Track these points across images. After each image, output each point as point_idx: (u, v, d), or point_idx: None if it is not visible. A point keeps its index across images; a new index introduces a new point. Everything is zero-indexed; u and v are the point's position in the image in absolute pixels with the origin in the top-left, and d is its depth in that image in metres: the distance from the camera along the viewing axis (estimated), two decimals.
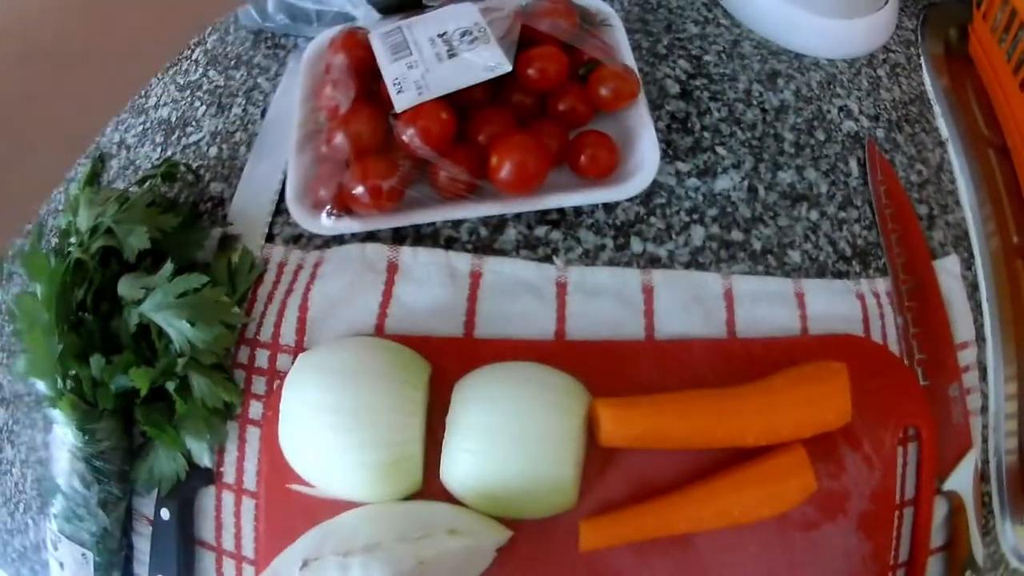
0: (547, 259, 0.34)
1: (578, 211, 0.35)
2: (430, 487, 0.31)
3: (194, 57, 0.45)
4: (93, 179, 0.46)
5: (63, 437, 0.36)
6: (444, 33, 0.34)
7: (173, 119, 0.43)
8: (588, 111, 0.35)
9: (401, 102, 0.32)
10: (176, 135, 0.42)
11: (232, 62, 0.43)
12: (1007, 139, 0.44)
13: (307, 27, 0.41)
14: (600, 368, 0.32)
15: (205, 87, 0.43)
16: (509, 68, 0.32)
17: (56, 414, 0.35)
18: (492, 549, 0.30)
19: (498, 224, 0.34)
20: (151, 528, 0.35)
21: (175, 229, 0.37)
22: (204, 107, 0.42)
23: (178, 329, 0.33)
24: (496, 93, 0.35)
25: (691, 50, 0.39)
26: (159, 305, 0.34)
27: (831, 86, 0.40)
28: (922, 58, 0.44)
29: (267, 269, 0.36)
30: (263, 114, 0.40)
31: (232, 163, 0.40)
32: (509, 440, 0.29)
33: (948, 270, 0.38)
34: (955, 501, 0.34)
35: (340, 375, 0.31)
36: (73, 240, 0.37)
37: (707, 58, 0.39)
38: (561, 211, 0.34)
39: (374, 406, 0.30)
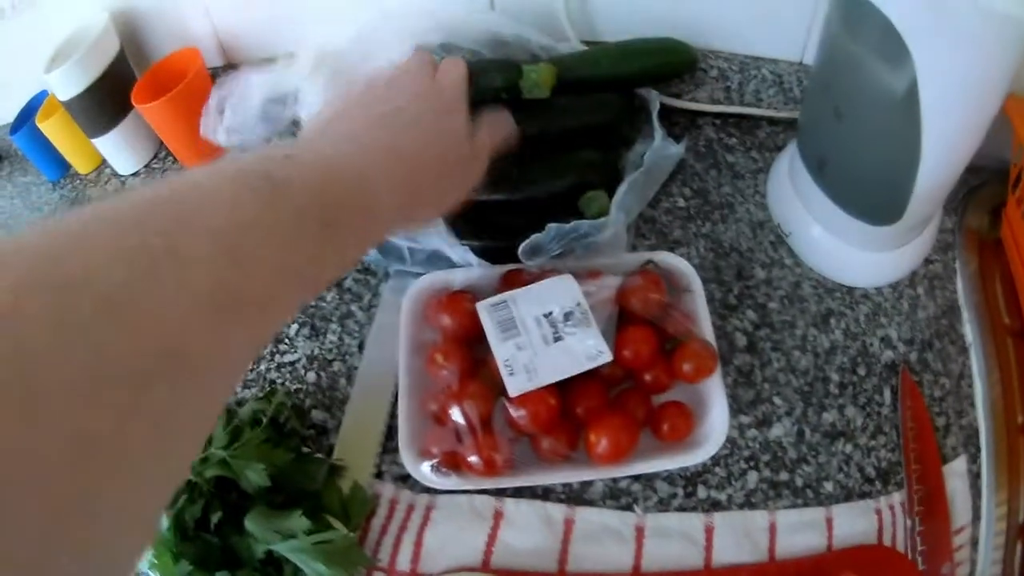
0: (628, 507, 0.49)
1: None
2: None
3: None
4: None
5: None
6: (549, 314, 0.46)
7: None
8: (670, 381, 0.48)
9: (513, 387, 0.45)
10: (268, 351, 0.53)
11: None
12: None
13: (398, 263, 0.52)
14: None
15: None
16: (611, 359, 0.45)
17: None
18: None
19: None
20: None
21: (288, 463, 0.50)
22: (297, 326, 0.53)
23: (314, 569, 0.47)
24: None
25: (758, 298, 0.52)
26: (295, 548, 0.47)
27: (876, 316, 0.54)
28: (956, 259, 0.58)
29: (379, 504, 0.50)
30: (360, 347, 0.51)
31: (332, 393, 0.51)
32: None
33: (956, 470, 0.55)
34: None
35: None
36: None
37: (771, 305, 0.52)
38: None
39: None
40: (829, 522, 0.51)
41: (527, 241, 0.47)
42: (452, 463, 0.47)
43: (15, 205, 0.70)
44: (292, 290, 0.27)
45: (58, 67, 0.60)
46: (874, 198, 0.50)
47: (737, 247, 0.53)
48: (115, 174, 0.70)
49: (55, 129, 0.66)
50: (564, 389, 0.47)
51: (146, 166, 0.69)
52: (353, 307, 0.53)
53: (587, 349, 0.45)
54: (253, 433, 0.49)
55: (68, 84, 0.62)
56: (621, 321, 0.47)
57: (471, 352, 0.47)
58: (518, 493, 0.49)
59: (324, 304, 0.53)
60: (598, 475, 0.47)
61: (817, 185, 0.51)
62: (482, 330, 0.46)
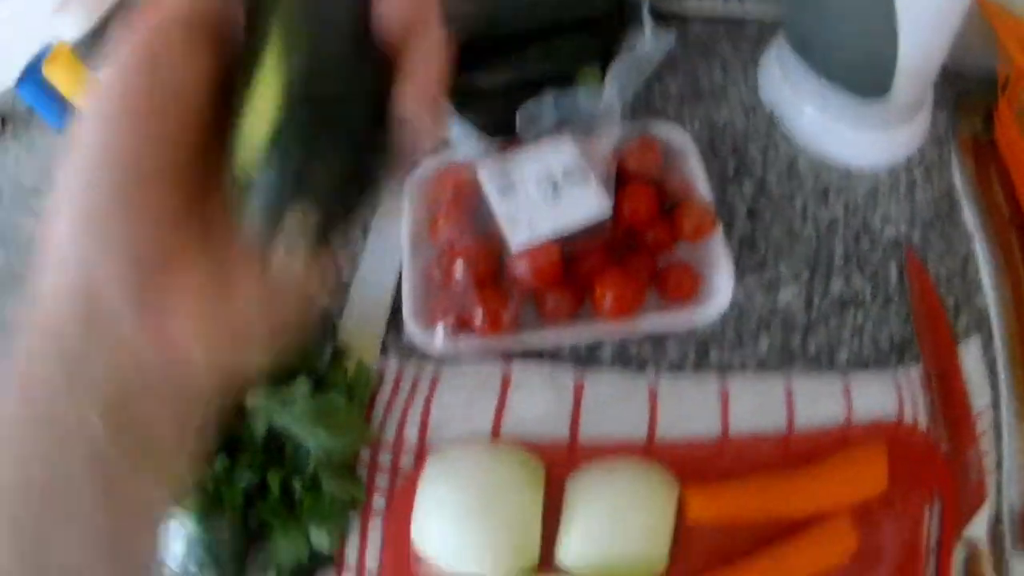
0: (640, 370, 0.47)
1: None
2: (543, 565, 0.44)
3: None
4: None
5: (179, 528, 0.45)
6: (548, 173, 0.46)
7: None
8: (672, 241, 0.47)
9: (516, 242, 0.45)
10: None
11: None
12: None
13: None
14: (685, 461, 0.46)
15: None
16: (609, 213, 0.45)
17: (176, 510, 0.45)
18: None
19: (596, 342, 0.48)
20: None
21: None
22: None
23: (317, 438, 0.45)
24: (591, 226, 0.47)
25: (755, 172, 0.52)
26: (297, 418, 0.46)
27: (875, 195, 0.53)
28: (952, 153, 0.58)
29: (384, 379, 0.48)
30: (364, 233, 0.51)
31: (336, 278, 0.51)
32: (617, 525, 0.42)
33: (970, 351, 0.53)
34: (972, 551, 0.49)
35: (469, 476, 0.44)
36: None
37: (768, 178, 0.52)
38: None
39: (500, 503, 0.43)
40: (847, 392, 0.49)
41: (523, 110, 0.48)
42: (458, 326, 0.46)
43: (21, 159, 0.71)
44: None
45: (66, 7, 0.62)
46: (859, 69, 0.51)
47: (731, 126, 0.54)
48: None
49: (62, 74, 0.67)
50: (567, 253, 0.46)
51: None
52: None
53: (587, 203, 0.45)
54: None
55: (77, 23, 0.63)
56: (619, 184, 0.47)
57: (473, 217, 0.47)
58: (526, 359, 0.47)
59: None
60: (606, 333, 0.46)
61: (805, 62, 0.52)
62: (483, 197, 0.46)
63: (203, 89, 0.22)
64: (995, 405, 0.52)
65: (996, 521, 0.50)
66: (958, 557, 0.49)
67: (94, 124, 0.21)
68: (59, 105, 0.70)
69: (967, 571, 0.49)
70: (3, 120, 0.75)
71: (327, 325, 0.50)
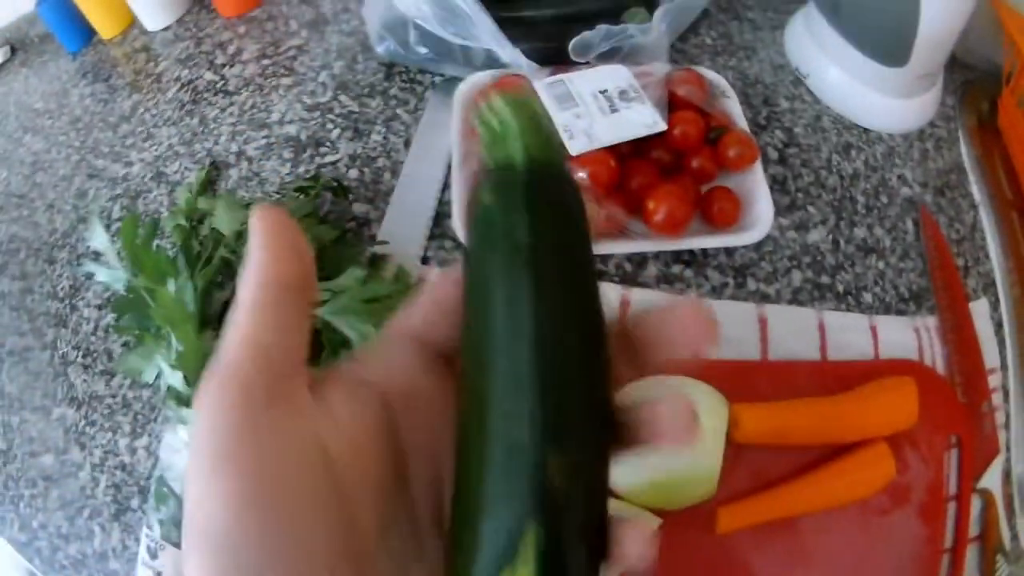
0: (682, 293, 0.46)
1: (705, 254, 0.47)
2: None
3: (320, 80, 0.54)
4: (207, 186, 0.53)
5: (189, 439, 0.43)
6: (605, 90, 0.46)
7: (303, 137, 0.52)
8: (715, 169, 0.48)
9: (574, 147, 0.44)
10: (308, 153, 0.51)
11: (365, 91, 0.52)
12: None
13: (449, 64, 0.52)
14: (730, 382, 0.44)
15: (337, 111, 0.52)
16: (665, 127, 0.45)
17: (188, 413, 0.41)
18: None
19: (641, 261, 0.47)
20: None
21: (330, 243, 0.46)
22: (339, 130, 0.51)
23: (361, 332, 0.42)
24: (640, 148, 0.47)
25: (784, 123, 0.53)
26: (344, 309, 0.42)
27: (891, 157, 0.56)
28: (959, 131, 0.61)
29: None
30: (406, 144, 0.50)
31: (376, 187, 0.49)
32: None
33: (979, 311, 0.54)
34: (987, 498, 0.49)
35: None
36: (201, 242, 0.45)
37: (796, 130, 0.53)
38: (692, 253, 0.47)
39: None
40: (874, 330, 0.50)
41: (578, 38, 0.48)
42: None
43: (31, 82, 0.68)
44: None
45: None
46: (883, 37, 0.53)
47: (761, 80, 0.55)
48: (143, 32, 0.67)
49: None
50: (620, 166, 0.46)
51: (178, 20, 0.67)
52: (399, 111, 0.52)
53: (643, 118, 0.45)
54: (297, 203, 0.46)
55: None
56: (670, 109, 0.47)
57: None
58: None
59: (368, 110, 0.52)
60: (654, 246, 0.45)
61: (832, 27, 0.54)
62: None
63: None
64: (1003, 367, 0.53)
65: (1006, 479, 0.50)
66: (974, 508, 0.49)
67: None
68: (79, 27, 0.68)
69: (982, 522, 0.49)
70: (12, 48, 0.71)
71: (362, 229, 0.47)
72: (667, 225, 0.44)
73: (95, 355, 0.50)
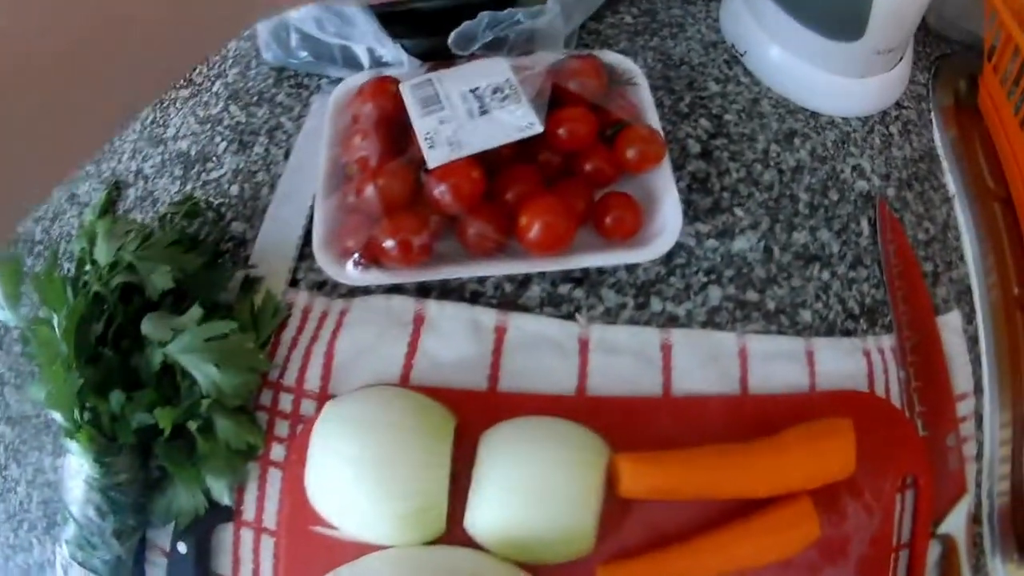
0: (570, 316, 0.37)
1: (601, 270, 0.38)
2: (452, 533, 0.34)
3: (214, 90, 0.47)
4: (109, 207, 0.48)
5: (79, 468, 0.38)
6: (476, 89, 0.37)
7: (193, 152, 0.46)
8: (614, 172, 0.38)
9: (433, 158, 0.35)
10: (196, 170, 0.45)
11: (254, 98, 0.46)
12: (1012, 191, 0.48)
13: (331, 67, 0.44)
14: (619, 422, 0.36)
15: (226, 122, 0.45)
16: (541, 129, 0.36)
17: (73, 445, 0.37)
18: None
19: (523, 281, 0.38)
20: (165, 559, 0.38)
21: (198, 269, 0.40)
22: (225, 143, 0.45)
23: (205, 373, 0.36)
24: (523, 151, 0.38)
25: (712, 109, 0.43)
26: (186, 348, 0.36)
27: (845, 145, 0.44)
28: (932, 113, 0.48)
29: (291, 314, 0.39)
30: (287, 155, 0.43)
31: (254, 203, 0.43)
32: (534, 492, 0.32)
33: (950, 326, 0.42)
34: (949, 543, 0.38)
35: (367, 425, 0.34)
36: (89, 271, 0.40)
37: (727, 117, 0.43)
38: (584, 270, 0.38)
39: (401, 458, 0.33)
40: (810, 356, 0.39)
41: (458, 29, 0.40)
42: (370, 256, 0.37)
43: None
44: None
45: None
46: (832, 7, 0.42)
47: (688, 61, 0.45)
48: None
49: None
50: (493, 175, 0.37)
51: None
52: (283, 119, 0.45)
53: (516, 120, 0.36)
54: (162, 234, 0.39)
55: None
56: (556, 105, 0.38)
57: (392, 136, 0.38)
58: (443, 296, 0.38)
59: (254, 119, 0.45)
60: (531, 267, 0.36)
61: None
62: (406, 115, 0.37)
63: None
64: (977, 390, 0.41)
65: (974, 519, 0.39)
66: (932, 553, 0.38)
67: None
68: None
69: (941, 570, 0.39)
70: None
71: (238, 250, 0.40)
72: (544, 243, 0.35)
73: (24, 376, 0.48)
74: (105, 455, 0.37)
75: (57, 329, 0.38)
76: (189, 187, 0.44)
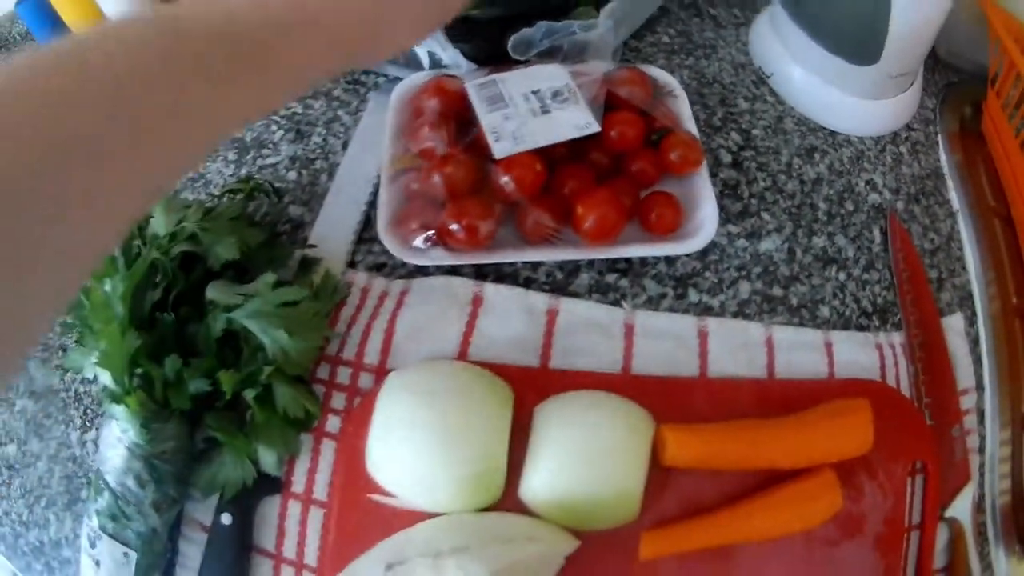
0: (616, 303, 0.40)
1: (643, 262, 0.41)
2: (506, 500, 0.37)
3: None
4: None
5: (121, 435, 0.38)
6: (537, 91, 0.41)
7: (247, 139, 0.48)
8: (657, 173, 0.42)
9: (499, 150, 0.39)
10: (251, 155, 0.47)
11: (310, 92, 0.48)
12: (1012, 210, 0.52)
13: (391, 65, 0.47)
14: (661, 399, 0.39)
15: (282, 112, 0.48)
16: (599, 129, 0.39)
17: (119, 411, 0.37)
18: (562, 556, 0.36)
19: (573, 269, 0.41)
20: (203, 533, 0.38)
21: (259, 245, 0.42)
22: (282, 132, 0.47)
23: (274, 338, 0.37)
24: (577, 150, 0.41)
25: (742, 124, 0.47)
26: (256, 313, 0.37)
27: (860, 161, 0.48)
28: (939, 135, 0.53)
29: (350, 293, 0.41)
30: (344, 146, 0.45)
31: (312, 189, 0.45)
32: (589, 456, 0.35)
33: (953, 327, 0.47)
34: (955, 528, 0.42)
35: (434, 393, 0.36)
36: (137, 243, 0.41)
37: (755, 132, 0.47)
38: (629, 261, 0.41)
39: (468, 422, 0.35)
40: (829, 347, 0.43)
41: (517, 35, 0.43)
42: (434, 239, 0.39)
43: None
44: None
45: None
46: (851, 34, 0.46)
47: (720, 80, 0.49)
48: None
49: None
50: (552, 170, 0.40)
51: None
52: (340, 112, 0.47)
53: (575, 120, 0.40)
54: (226, 207, 0.41)
55: None
56: (608, 110, 0.41)
57: (457, 128, 0.41)
58: (499, 279, 0.40)
59: (311, 111, 0.48)
60: (584, 255, 0.39)
61: (796, 23, 0.47)
62: (470, 109, 0.41)
63: None
64: (979, 387, 0.45)
65: (978, 508, 0.43)
66: (940, 538, 0.42)
67: None
68: (57, 29, 0.64)
69: (949, 553, 0.42)
70: None
71: (296, 232, 0.43)
72: (597, 232, 0.38)
73: (52, 349, 0.48)
74: (154, 421, 0.37)
75: (113, 293, 0.39)
76: (244, 171, 0.46)
